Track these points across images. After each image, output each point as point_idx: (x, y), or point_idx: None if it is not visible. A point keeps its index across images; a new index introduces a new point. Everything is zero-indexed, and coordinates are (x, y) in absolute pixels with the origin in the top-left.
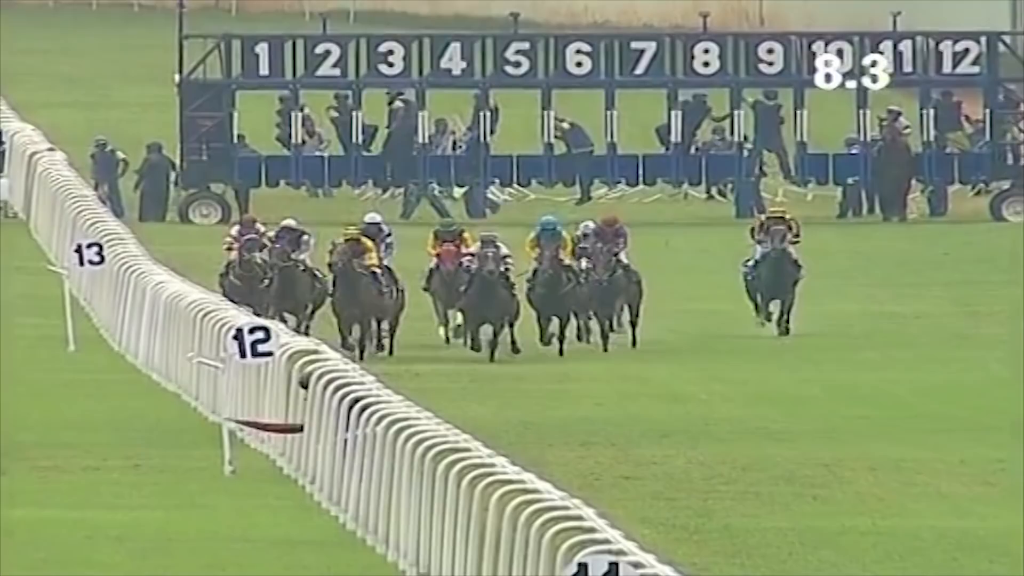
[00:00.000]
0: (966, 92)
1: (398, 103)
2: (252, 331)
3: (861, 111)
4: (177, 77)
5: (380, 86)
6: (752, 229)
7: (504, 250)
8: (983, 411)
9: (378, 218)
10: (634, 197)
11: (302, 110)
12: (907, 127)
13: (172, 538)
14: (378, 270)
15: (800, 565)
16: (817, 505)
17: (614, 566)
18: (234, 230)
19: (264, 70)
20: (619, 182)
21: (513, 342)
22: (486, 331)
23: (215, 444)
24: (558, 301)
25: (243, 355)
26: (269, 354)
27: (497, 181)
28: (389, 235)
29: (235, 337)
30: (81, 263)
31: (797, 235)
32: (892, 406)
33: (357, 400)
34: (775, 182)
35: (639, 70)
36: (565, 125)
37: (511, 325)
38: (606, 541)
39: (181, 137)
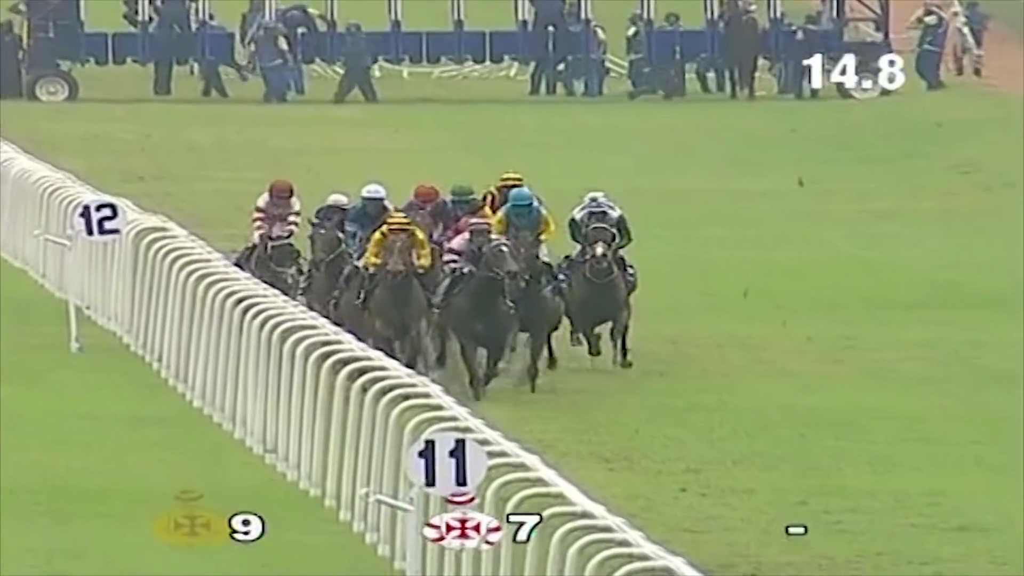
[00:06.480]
0: None
1: None
2: (99, 208)
3: None
4: None
5: None
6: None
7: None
8: (831, 289)
9: (382, 192)
10: (480, 73)
11: None
12: (752, 3)
13: (19, 414)
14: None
15: (647, 441)
16: (664, 382)
17: (460, 443)
18: (262, 200)
19: None
20: (466, 59)
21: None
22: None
23: (62, 321)
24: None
25: (90, 232)
26: (116, 231)
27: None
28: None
29: (82, 215)
30: None
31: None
32: (738, 283)
33: (203, 277)
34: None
35: None
36: None
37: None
38: (453, 419)
39: (27, 15)
